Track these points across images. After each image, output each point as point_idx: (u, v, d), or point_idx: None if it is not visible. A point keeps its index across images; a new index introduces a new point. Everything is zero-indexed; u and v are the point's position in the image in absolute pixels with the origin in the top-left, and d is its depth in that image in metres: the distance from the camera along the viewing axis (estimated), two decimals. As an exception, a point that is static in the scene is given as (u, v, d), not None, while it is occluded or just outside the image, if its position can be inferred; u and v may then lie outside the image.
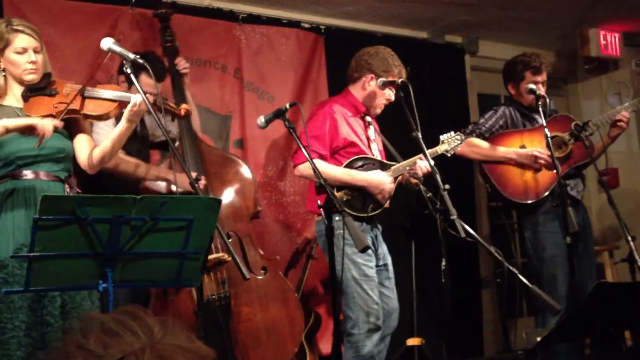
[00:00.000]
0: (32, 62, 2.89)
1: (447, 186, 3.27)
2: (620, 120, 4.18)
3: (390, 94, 3.74)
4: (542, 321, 4.05)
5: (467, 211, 4.84)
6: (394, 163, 3.72)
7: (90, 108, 2.90)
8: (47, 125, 2.72)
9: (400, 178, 3.68)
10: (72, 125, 2.97)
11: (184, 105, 3.02)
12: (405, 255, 4.49)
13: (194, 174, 3.09)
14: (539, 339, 2.98)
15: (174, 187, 3.50)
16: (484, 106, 5.54)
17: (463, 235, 3.14)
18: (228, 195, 3.71)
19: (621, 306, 2.78)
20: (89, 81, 2.93)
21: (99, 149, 2.95)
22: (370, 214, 3.63)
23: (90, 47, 3.90)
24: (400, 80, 3.63)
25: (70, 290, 2.73)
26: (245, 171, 3.82)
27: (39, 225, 2.25)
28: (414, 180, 3.62)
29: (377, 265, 3.67)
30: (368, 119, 3.83)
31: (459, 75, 5.66)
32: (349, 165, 3.64)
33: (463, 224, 3.16)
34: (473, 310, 5.39)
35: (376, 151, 3.79)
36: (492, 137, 4.25)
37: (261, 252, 3.77)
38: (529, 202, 4.14)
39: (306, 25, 4.90)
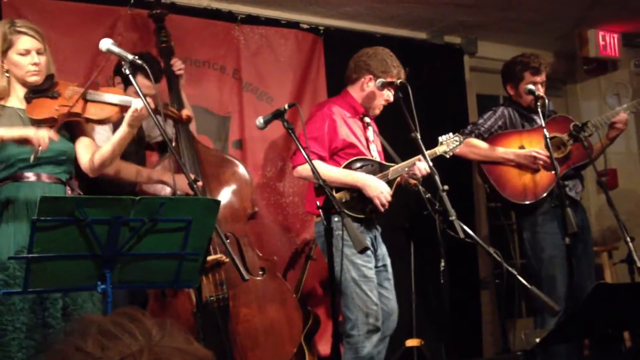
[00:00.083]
0: (35, 64, 2.88)
1: (446, 187, 3.26)
2: (617, 122, 4.18)
3: (389, 95, 3.74)
4: (541, 322, 4.05)
5: (466, 212, 4.84)
6: (392, 164, 3.72)
7: (92, 112, 2.89)
8: (42, 137, 2.68)
9: (399, 179, 3.68)
10: (74, 127, 2.97)
11: (185, 111, 3.02)
12: (404, 256, 4.49)
13: (192, 176, 3.08)
14: (538, 340, 2.98)
15: (168, 190, 3.50)
16: (483, 107, 5.53)
17: (462, 236, 3.14)
18: (225, 196, 3.71)
19: (620, 307, 2.78)
20: (91, 84, 2.92)
21: (99, 153, 2.94)
22: (369, 215, 3.63)
23: (88, 47, 3.89)
24: (399, 81, 3.63)
25: (68, 292, 2.73)
26: (242, 172, 3.82)
27: (37, 226, 2.25)
28: (412, 181, 3.62)
29: (376, 266, 3.66)
30: (367, 120, 3.82)
31: (457, 76, 5.66)
32: (348, 167, 3.63)
33: (462, 224, 3.16)
34: (472, 311, 5.39)
35: (375, 152, 3.79)
36: (491, 137, 4.25)
37: (259, 253, 3.76)
38: (528, 202, 4.14)
39: (305, 26, 4.91)
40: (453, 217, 3.17)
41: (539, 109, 3.96)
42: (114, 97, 2.92)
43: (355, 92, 3.78)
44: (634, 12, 5.46)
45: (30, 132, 2.71)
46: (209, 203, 2.65)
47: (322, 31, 4.92)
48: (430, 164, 3.42)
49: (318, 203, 3.15)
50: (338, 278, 3.37)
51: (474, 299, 5.45)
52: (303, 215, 4.57)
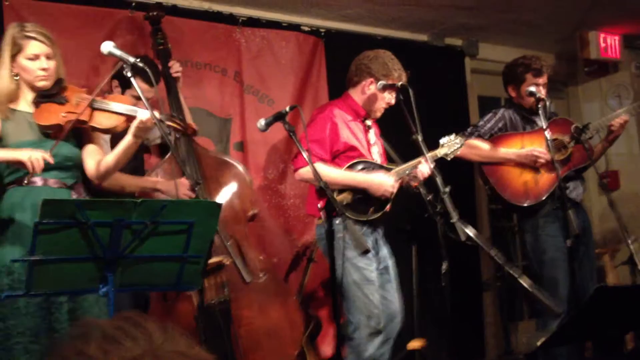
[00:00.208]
0: (44, 69, 2.88)
1: (447, 189, 3.26)
2: (615, 125, 4.18)
3: (390, 98, 3.74)
4: (543, 324, 4.04)
5: (467, 214, 4.83)
6: (394, 166, 3.72)
7: (99, 120, 2.89)
8: (36, 161, 2.68)
9: (400, 181, 3.68)
10: (82, 134, 2.97)
11: (191, 124, 3.01)
12: (406, 258, 4.49)
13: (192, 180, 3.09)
14: (539, 342, 2.98)
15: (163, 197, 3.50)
16: (484, 109, 5.54)
17: (463, 238, 3.14)
18: (225, 198, 3.71)
19: (622, 309, 2.78)
20: (98, 92, 2.92)
21: (104, 162, 2.94)
22: (370, 218, 3.63)
23: (88, 50, 3.89)
24: (400, 83, 3.63)
25: (70, 294, 2.73)
26: (242, 174, 3.82)
27: (39, 229, 2.25)
28: (414, 183, 3.62)
29: (378, 268, 3.66)
30: (368, 122, 3.83)
31: (459, 77, 5.66)
32: (350, 169, 3.64)
33: (464, 226, 3.16)
34: (474, 313, 5.39)
35: (376, 155, 3.79)
36: (492, 139, 4.24)
37: (259, 255, 3.76)
38: (529, 204, 4.13)
39: (306, 29, 4.91)
40: (454, 219, 3.17)
41: (540, 111, 3.95)
42: (121, 106, 2.91)
43: (357, 95, 3.78)
44: (635, 14, 5.46)
45: (24, 155, 2.70)
46: (210, 205, 2.65)
47: (323, 33, 4.93)
48: (432, 166, 3.42)
49: (319, 205, 3.15)
50: (339, 280, 3.37)
51: (476, 301, 5.45)
52: (304, 217, 4.57)
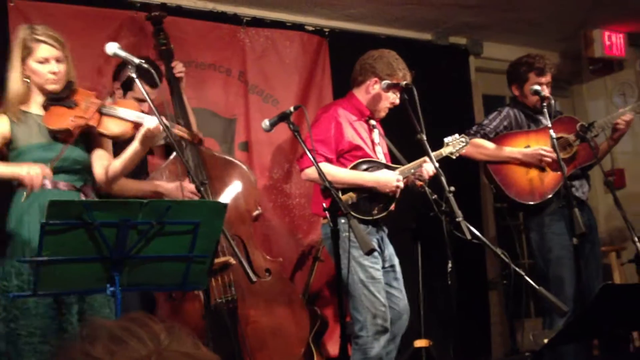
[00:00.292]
0: (54, 73, 2.87)
1: (452, 188, 3.26)
2: (619, 123, 4.17)
3: (394, 97, 3.74)
4: (549, 323, 4.04)
5: (473, 213, 4.84)
6: (398, 166, 3.72)
7: (107, 126, 2.89)
8: (35, 177, 2.67)
9: (405, 180, 3.68)
10: (91, 138, 2.97)
11: (197, 133, 3.01)
12: (411, 257, 4.49)
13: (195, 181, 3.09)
14: (546, 340, 2.98)
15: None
16: (488, 107, 5.52)
17: (469, 237, 3.13)
18: (230, 198, 3.71)
19: (628, 307, 2.78)
20: (106, 98, 2.92)
21: (112, 168, 2.95)
22: (375, 217, 3.63)
23: (93, 51, 3.89)
24: (404, 83, 3.63)
25: (77, 294, 2.74)
26: (246, 174, 3.82)
27: (46, 229, 2.26)
28: (419, 183, 3.62)
29: (383, 267, 3.67)
30: (372, 122, 3.83)
31: (463, 76, 5.66)
32: (354, 169, 3.64)
33: (469, 225, 3.15)
34: (480, 311, 5.39)
35: (381, 154, 3.79)
36: (497, 138, 4.24)
37: (264, 254, 3.77)
38: (534, 203, 4.13)
39: (310, 28, 4.91)
40: (460, 218, 3.16)
41: (545, 110, 3.94)
42: (129, 112, 2.90)
43: (361, 94, 3.78)
44: (639, 12, 5.45)
45: (22, 171, 2.69)
46: (216, 206, 2.66)
47: (327, 33, 4.93)
48: (437, 165, 3.42)
49: (324, 205, 3.15)
50: (345, 279, 3.38)
51: (482, 300, 5.45)
52: (310, 216, 4.57)
